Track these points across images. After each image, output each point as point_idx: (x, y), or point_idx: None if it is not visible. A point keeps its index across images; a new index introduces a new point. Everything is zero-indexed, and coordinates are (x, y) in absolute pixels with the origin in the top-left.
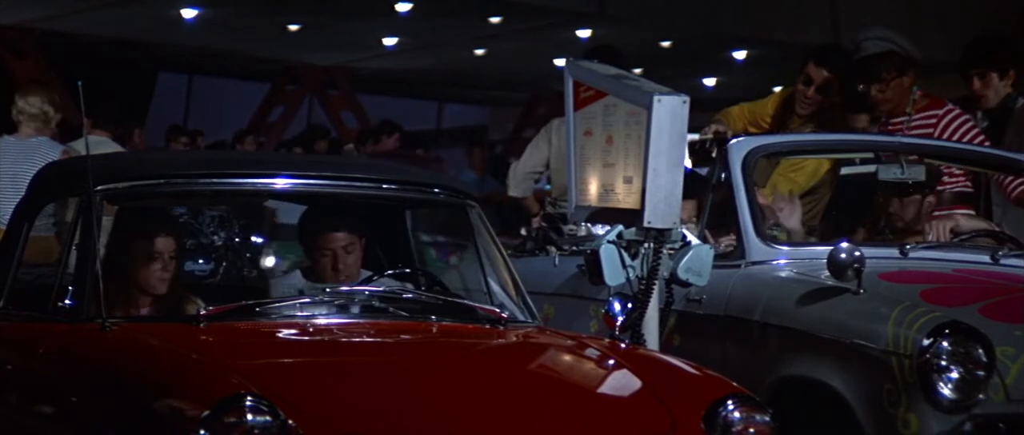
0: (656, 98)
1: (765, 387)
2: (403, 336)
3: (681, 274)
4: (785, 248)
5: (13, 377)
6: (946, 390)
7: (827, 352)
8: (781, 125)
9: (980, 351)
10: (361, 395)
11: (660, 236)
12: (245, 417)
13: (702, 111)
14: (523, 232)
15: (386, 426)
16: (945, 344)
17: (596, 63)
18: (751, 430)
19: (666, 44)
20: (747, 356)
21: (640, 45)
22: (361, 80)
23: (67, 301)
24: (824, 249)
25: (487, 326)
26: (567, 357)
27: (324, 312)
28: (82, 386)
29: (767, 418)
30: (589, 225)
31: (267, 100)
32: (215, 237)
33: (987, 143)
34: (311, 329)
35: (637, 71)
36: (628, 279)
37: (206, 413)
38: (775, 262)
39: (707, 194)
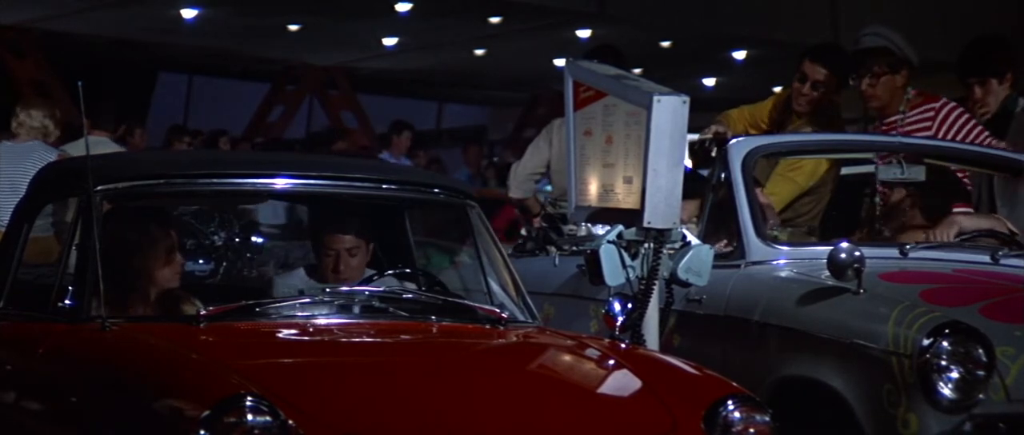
0: (656, 98)
1: (765, 387)
2: (403, 336)
3: (681, 274)
4: (785, 248)
5: (13, 377)
6: (946, 390)
7: (827, 352)
8: (779, 125)
9: (980, 351)
10: (361, 395)
11: (660, 236)
12: (245, 417)
13: (702, 111)
14: (523, 232)
15: (386, 426)
16: (945, 344)
17: (596, 63)
18: (751, 430)
19: (666, 44)
20: (747, 356)
21: (640, 45)
22: (361, 80)
23: (67, 301)
24: (824, 249)
25: (487, 326)
26: (567, 357)
27: (324, 312)
28: (82, 386)
29: (767, 418)
30: (589, 225)
31: (267, 100)
32: (215, 237)
33: (986, 134)
34: (311, 329)
35: (637, 71)
36: (628, 279)
37: (206, 413)
38: (775, 262)
39: (707, 194)
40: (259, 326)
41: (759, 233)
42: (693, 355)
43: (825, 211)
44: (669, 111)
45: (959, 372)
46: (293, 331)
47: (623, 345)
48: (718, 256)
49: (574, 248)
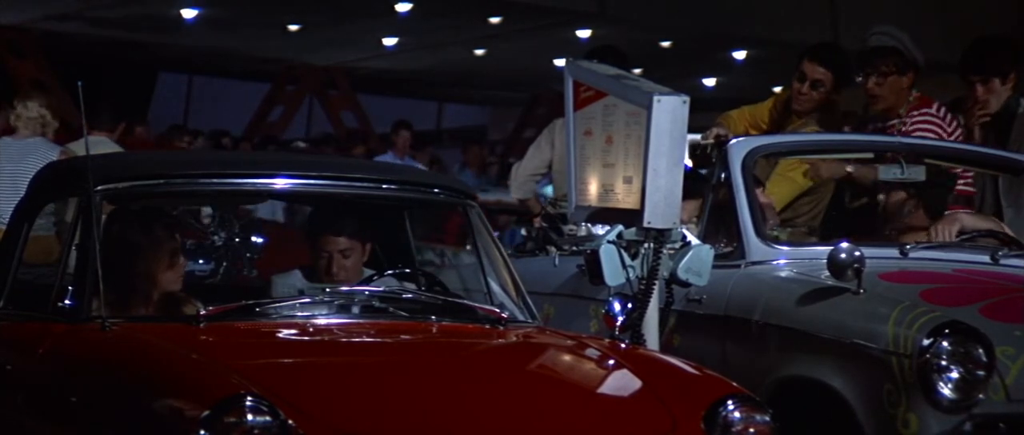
0: (656, 98)
1: (765, 387)
2: (403, 336)
3: (681, 274)
4: (785, 248)
5: (13, 377)
6: (946, 390)
7: (827, 352)
8: (779, 125)
9: (980, 351)
10: (361, 395)
11: (660, 236)
12: (245, 417)
13: (702, 111)
14: (523, 232)
15: (386, 426)
16: (945, 344)
17: (596, 63)
18: (751, 430)
19: (666, 44)
20: (747, 356)
21: (640, 45)
22: (361, 80)
23: (67, 301)
24: (824, 249)
25: (487, 326)
26: (567, 357)
27: (324, 312)
28: (82, 386)
29: (767, 418)
30: (589, 225)
31: (267, 100)
32: (215, 237)
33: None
34: (311, 329)
35: (637, 71)
36: (628, 279)
37: (206, 413)
38: (775, 262)
39: (707, 194)
40: (259, 326)
41: (759, 233)
42: (693, 355)
43: (825, 211)
44: (669, 111)
45: (959, 372)
46: (293, 331)
47: (623, 345)
48: (718, 256)
49: (574, 248)
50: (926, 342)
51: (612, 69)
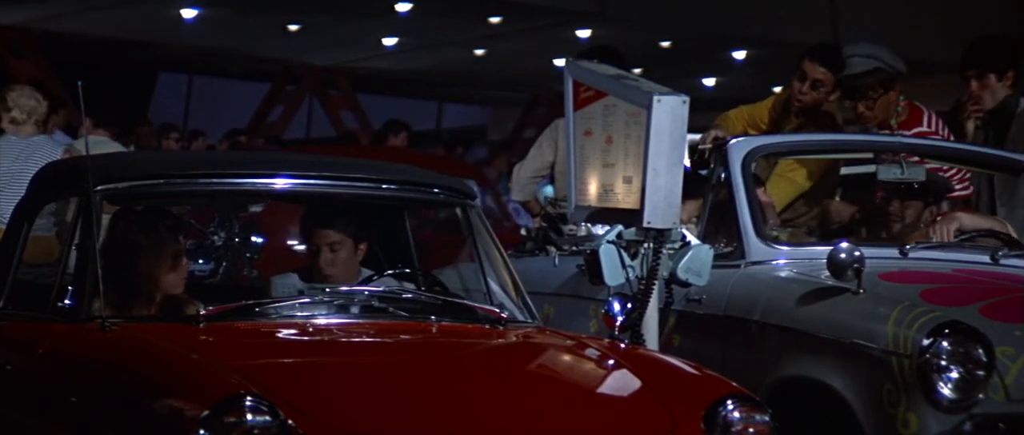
0: (656, 98)
1: (765, 387)
2: (403, 336)
3: (681, 274)
4: (785, 248)
5: (13, 377)
6: (946, 390)
7: (827, 352)
8: (778, 125)
9: (980, 351)
10: (361, 395)
11: (660, 236)
12: (245, 417)
13: (702, 111)
14: (523, 232)
15: (386, 426)
16: (945, 344)
17: (596, 63)
18: (751, 430)
19: (666, 44)
20: (747, 356)
21: (640, 45)
22: (361, 80)
23: (67, 301)
24: (824, 249)
25: (487, 326)
26: (567, 357)
27: (324, 312)
28: (82, 386)
29: (767, 418)
30: (589, 225)
31: (267, 100)
32: (215, 237)
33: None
34: (311, 329)
35: (637, 71)
36: (628, 279)
37: (206, 413)
38: (775, 262)
39: (707, 194)
40: (259, 326)
41: (759, 233)
42: (693, 355)
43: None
44: (669, 111)
45: (959, 372)
46: (293, 331)
47: (623, 345)
48: (718, 256)
49: (574, 248)
50: (926, 342)
51: (612, 69)
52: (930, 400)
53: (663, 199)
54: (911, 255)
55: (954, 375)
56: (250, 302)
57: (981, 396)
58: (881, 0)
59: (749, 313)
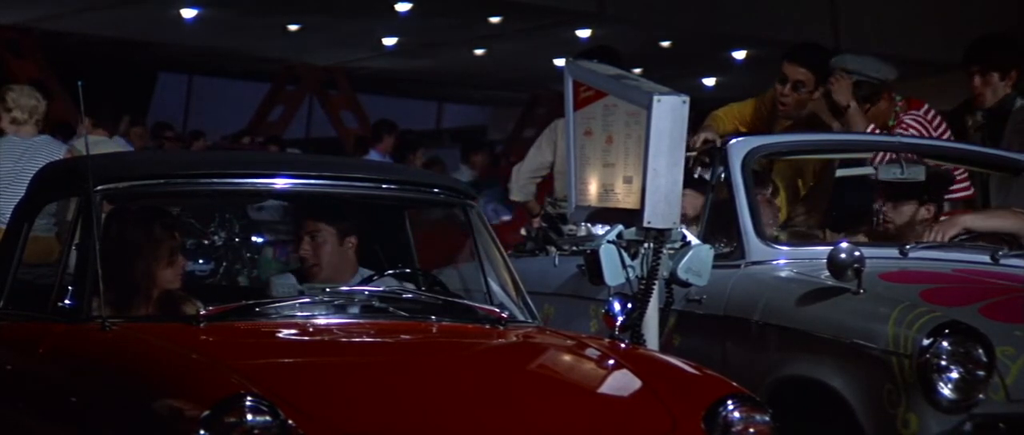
0: (656, 98)
1: (765, 387)
2: (403, 336)
3: (681, 274)
4: (785, 248)
5: (13, 377)
6: (946, 390)
7: (827, 352)
8: (767, 124)
9: (980, 351)
10: (361, 395)
11: (660, 236)
12: (245, 417)
13: (702, 111)
14: (523, 232)
15: (386, 426)
16: (945, 344)
17: (596, 63)
18: (751, 430)
19: (666, 44)
20: (747, 356)
21: (640, 45)
22: (361, 80)
23: (67, 301)
24: (824, 249)
25: (487, 326)
26: (567, 357)
27: (324, 312)
28: (82, 386)
29: (767, 418)
30: (589, 225)
31: (267, 100)
32: (215, 237)
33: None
34: (311, 329)
35: (637, 71)
36: (628, 279)
37: (206, 413)
38: (775, 262)
39: (707, 194)
40: (259, 326)
41: (759, 233)
42: (693, 355)
43: (825, 211)
44: (669, 111)
45: (959, 372)
46: (293, 331)
47: (623, 345)
48: (718, 256)
49: (574, 248)
50: (926, 342)
51: (612, 69)
52: (930, 400)
53: (663, 199)
54: (911, 255)
55: (954, 375)
56: (250, 302)
57: (981, 396)
58: (881, 1)
59: (749, 313)
